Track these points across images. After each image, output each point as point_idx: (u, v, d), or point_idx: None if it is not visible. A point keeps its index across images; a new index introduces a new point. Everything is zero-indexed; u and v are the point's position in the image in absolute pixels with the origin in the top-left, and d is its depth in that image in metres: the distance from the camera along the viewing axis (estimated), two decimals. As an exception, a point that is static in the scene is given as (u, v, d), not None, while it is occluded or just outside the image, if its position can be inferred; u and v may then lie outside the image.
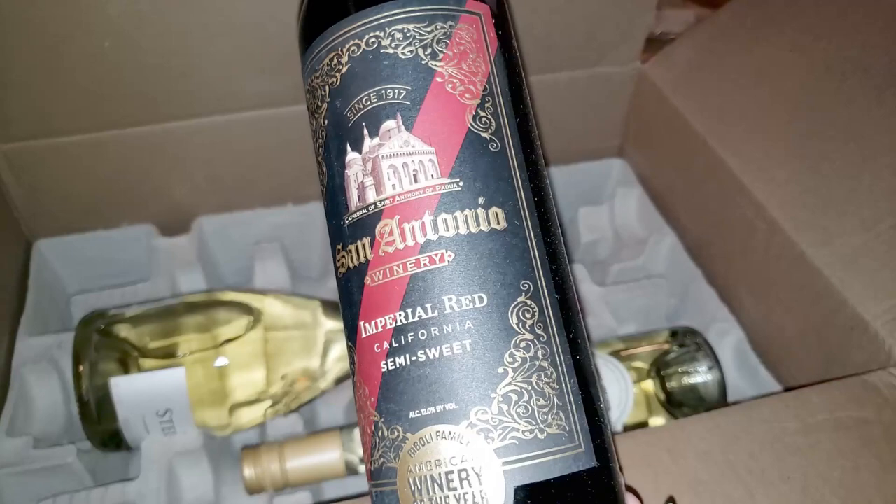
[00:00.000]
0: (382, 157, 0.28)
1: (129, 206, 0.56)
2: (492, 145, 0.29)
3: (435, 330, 0.26)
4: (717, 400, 0.48)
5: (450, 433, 0.25)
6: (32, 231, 0.56)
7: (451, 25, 0.30)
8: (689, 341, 0.50)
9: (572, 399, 0.27)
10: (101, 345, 0.45)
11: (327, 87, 0.30)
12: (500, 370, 0.26)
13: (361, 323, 0.28)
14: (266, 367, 0.46)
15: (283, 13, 0.46)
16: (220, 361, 0.45)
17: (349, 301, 0.29)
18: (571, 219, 0.63)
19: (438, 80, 0.29)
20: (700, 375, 0.48)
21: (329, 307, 0.50)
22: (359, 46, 0.29)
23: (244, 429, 0.48)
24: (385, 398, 0.27)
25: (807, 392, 0.38)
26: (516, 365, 0.26)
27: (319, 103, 0.31)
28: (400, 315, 0.27)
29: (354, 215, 0.29)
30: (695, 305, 0.55)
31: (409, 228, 0.27)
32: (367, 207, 0.28)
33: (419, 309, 0.26)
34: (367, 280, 0.28)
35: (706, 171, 0.52)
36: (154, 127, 0.51)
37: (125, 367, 0.44)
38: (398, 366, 0.26)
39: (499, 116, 0.29)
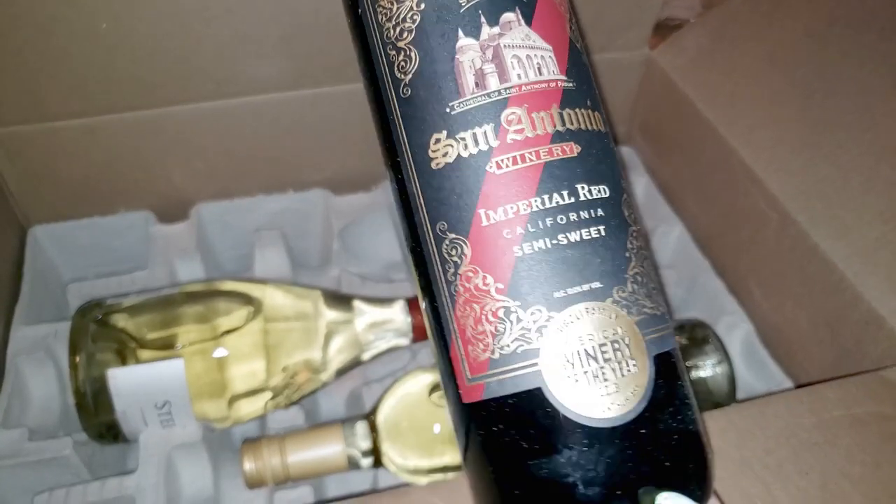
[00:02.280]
0: (505, 46, 0.28)
1: (126, 193, 0.55)
2: (583, 57, 0.31)
3: (573, 215, 0.28)
4: (727, 394, 0.47)
5: (599, 308, 0.27)
6: (27, 217, 0.55)
7: None
8: (697, 334, 0.49)
9: (661, 286, 0.32)
10: (98, 335, 0.44)
11: None
12: (626, 255, 0.28)
13: (481, 211, 0.28)
14: (266, 358, 0.45)
15: (284, -5, 0.45)
16: (220, 353, 0.44)
17: (461, 190, 0.28)
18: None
19: None
20: (709, 369, 0.47)
21: (330, 297, 0.49)
22: None
23: (244, 421, 0.47)
24: (520, 282, 0.27)
25: (822, 388, 0.37)
26: (635, 251, 0.29)
27: None
28: (536, 201, 0.27)
29: (470, 102, 0.28)
30: (703, 297, 0.54)
31: (538, 118, 0.28)
32: (487, 94, 0.28)
33: (556, 195, 0.27)
34: (491, 167, 0.28)
35: (716, 159, 0.51)
36: (152, 112, 0.50)
37: (123, 359, 0.43)
38: (536, 249, 0.27)
39: (580, 32, 0.31)
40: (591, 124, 0.29)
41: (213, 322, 0.44)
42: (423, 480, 0.43)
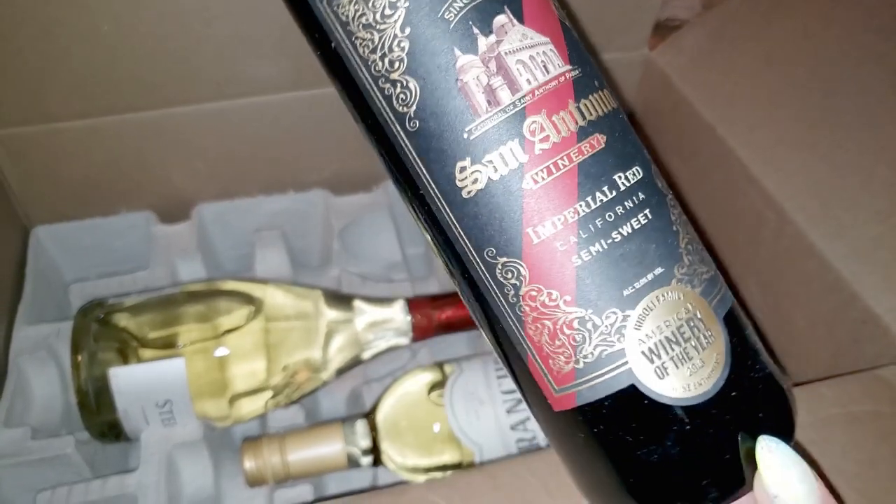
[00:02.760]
0: (506, 53, 0.27)
1: (127, 193, 0.55)
2: (573, 33, 0.30)
3: (619, 209, 0.27)
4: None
5: (667, 294, 0.27)
6: (30, 218, 0.55)
7: None
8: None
9: (702, 244, 0.31)
10: (100, 335, 0.44)
11: None
12: (674, 229, 0.28)
13: (529, 230, 0.27)
14: (267, 357, 0.45)
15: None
16: (221, 352, 0.44)
17: (501, 213, 0.27)
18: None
19: None
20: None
21: (331, 297, 0.49)
22: None
23: (245, 420, 0.47)
24: (587, 290, 0.27)
25: (817, 386, 0.37)
26: (679, 222, 0.29)
27: (387, 12, 0.27)
28: (581, 205, 0.27)
29: (486, 122, 0.27)
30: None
31: (559, 120, 0.27)
32: (503, 110, 0.27)
33: (598, 194, 0.27)
34: (527, 184, 0.27)
35: (714, 159, 0.52)
36: (153, 112, 0.51)
37: (124, 358, 0.44)
38: (594, 254, 0.27)
39: (562, 6, 0.30)
40: (607, 106, 0.29)
41: (214, 321, 0.45)
42: (422, 479, 0.44)
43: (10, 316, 0.49)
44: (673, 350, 0.27)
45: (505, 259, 0.28)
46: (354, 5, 0.27)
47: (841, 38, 0.50)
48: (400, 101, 0.28)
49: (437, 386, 0.44)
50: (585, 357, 0.27)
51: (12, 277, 0.51)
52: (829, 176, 0.45)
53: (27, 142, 0.50)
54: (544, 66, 0.27)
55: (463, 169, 0.28)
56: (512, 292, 0.28)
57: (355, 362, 0.49)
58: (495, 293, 0.29)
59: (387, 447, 0.43)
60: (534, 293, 0.28)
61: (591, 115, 0.28)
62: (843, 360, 0.42)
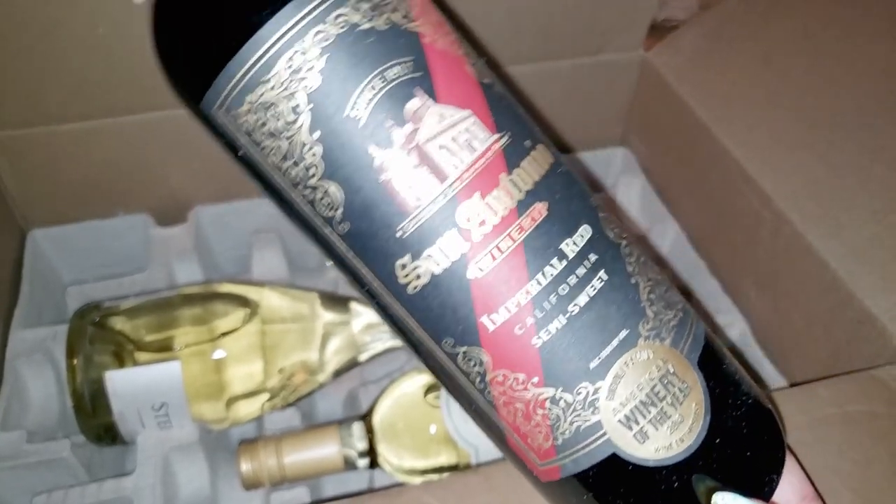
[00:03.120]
0: (426, 141, 0.25)
1: (124, 195, 0.55)
2: (496, 88, 0.28)
3: (572, 278, 0.26)
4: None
5: (635, 356, 0.26)
6: (27, 220, 0.55)
7: None
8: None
9: (667, 279, 0.29)
10: (96, 337, 0.44)
11: (299, 94, 0.25)
12: (633, 281, 0.27)
13: (482, 318, 0.26)
14: (263, 360, 0.45)
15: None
16: (217, 354, 0.44)
17: (451, 305, 0.26)
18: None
19: (426, 40, 0.26)
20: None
21: (328, 299, 0.49)
22: (327, 34, 0.25)
23: (241, 422, 0.47)
24: (553, 369, 0.26)
25: (814, 386, 0.37)
26: (638, 269, 0.28)
27: (289, 118, 0.25)
28: (532, 284, 0.26)
29: (418, 218, 0.25)
30: (698, 297, 0.54)
31: (494, 200, 0.26)
32: (433, 202, 0.25)
33: (548, 268, 0.26)
34: (472, 273, 0.26)
35: (711, 160, 0.52)
36: (150, 115, 0.50)
37: (120, 361, 0.43)
38: (555, 331, 0.26)
39: (477, 60, 0.28)
40: (544, 164, 0.27)
41: (211, 324, 0.45)
42: (418, 481, 0.44)
43: (6, 319, 0.49)
44: (650, 412, 0.26)
45: (465, 348, 0.27)
46: (254, 115, 0.26)
47: (838, 39, 0.50)
48: (324, 205, 0.26)
49: (433, 388, 0.44)
50: (563, 433, 0.26)
51: (9, 280, 0.51)
52: (826, 176, 0.45)
53: (24, 143, 0.50)
54: (469, 145, 0.26)
55: (403, 266, 0.26)
56: (478, 379, 0.27)
57: (352, 364, 0.49)
58: (463, 380, 0.28)
59: (383, 449, 0.43)
60: (500, 378, 0.27)
61: (527, 183, 0.26)
62: (840, 360, 0.42)
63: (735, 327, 0.50)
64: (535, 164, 0.27)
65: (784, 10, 0.55)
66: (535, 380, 0.26)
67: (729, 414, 0.27)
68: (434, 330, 0.27)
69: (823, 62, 0.51)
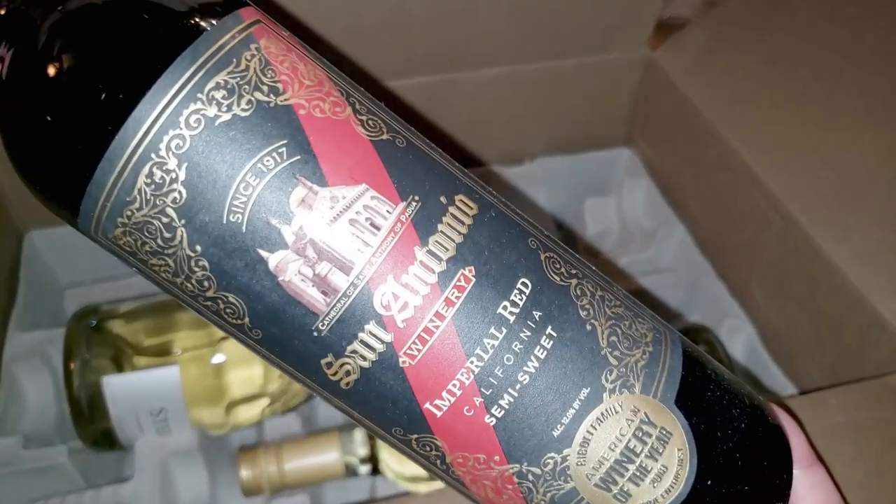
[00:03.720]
0: (321, 231, 0.23)
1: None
2: (398, 142, 0.25)
3: (516, 345, 0.24)
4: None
5: (602, 414, 0.24)
6: (24, 222, 0.54)
7: (256, 48, 0.24)
8: (699, 338, 0.48)
9: (634, 303, 0.27)
10: (94, 341, 0.43)
11: (168, 210, 0.22)
12: (588, 327, 0.25)
13: (427, 406, 0.24)
14: (263, 364, 0.44)
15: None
16: (217, 359, 0.43)
17: (390, 397, 0.24)
18: (577, 210, 0.61)
19: (301, 112, 0.23)
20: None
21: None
22: (182, 138, 0.22)
23: (241, 427, 0.46)
24: (514, 445, 0.24)
25: (824, 394, 0.37)
26: (593, 310, 0.25)
27: (166, 235, 0.23)
28: (473, 361, 0.23)
29: (332, 314, 0.23)
30: (704, 301, 0.54)
31: (412, 278, 0.23)
32: (344, 295, 0.23)
33: (487, 339, 0.23)
34: (404, 361, 0.23)
35: (717, 161, 0.51)
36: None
37: (118, 365, 0.43)
38: (507, 406, 0.24)
39: (373, 108, 0.25)
40: (465, 220, 0.24)
41: (210, 328, 0.44)
42: (422, 488, 0.43)
43: (3, 322, 0.49)
44: (627, 470, 0.24)
45: (416, 436, 0.25)
46: (130, 237, 0.23)
47: (845, 39, 0.50)
48: (230, 315, 0.24)
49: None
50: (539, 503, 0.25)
51: (6, 282, 0.51)
52: (834, 178, 0.45)
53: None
54: (372, 225, 0.23)
55: (329, 364, 0.24)
56: (439, 461, 0.25)
57: (353, 369, 0.48)
58: (424, 463, 0.26)
59: (385, 456, 0.43)
60: (460, 460, 0.25)
61: (447, 249, 0.23)
62: (850, 366, 0.42)
63: (742, 331, 0.50)
64: (455, 223, 0.24)
65: (790, 9, 0.55)
66: (497, 458, 0.24)
67: (719, 449, 0.25)
68: (381, 421, 0.25)
69: (831, 62, 0.50)
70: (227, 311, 0.24)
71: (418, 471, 0.43)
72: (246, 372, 0.44)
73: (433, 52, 0.51)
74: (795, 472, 0.28)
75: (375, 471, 0.43)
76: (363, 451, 0.43)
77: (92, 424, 0.43)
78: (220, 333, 0.44)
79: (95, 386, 0.42)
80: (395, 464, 0.43)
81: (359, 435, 0.43)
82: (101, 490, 0.42)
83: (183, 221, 0.23)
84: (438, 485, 0.43)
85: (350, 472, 0.43)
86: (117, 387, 0.42)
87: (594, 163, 0.62)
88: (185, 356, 0.43)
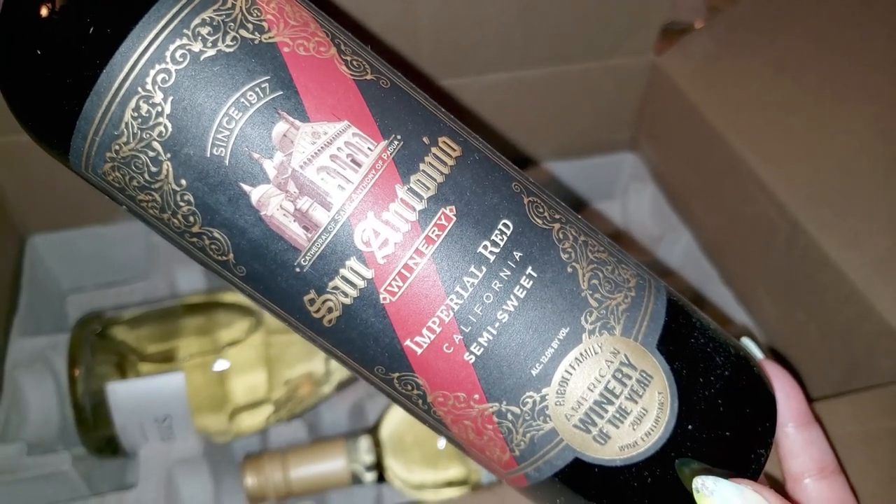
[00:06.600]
0: (301, 166, 0.23)
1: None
2: (382, 83, 0.25)
3: (496, 283, 0.24)
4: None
5: (581, 354, 0.24)
6: (26, 226, 0.54)
7: None
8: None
9: (620, 251, 0.27)
10: (98, 348, 0.43)
11: (154, 144, 0.23)
12: (569, 270, 0.25)
13: (407, 343, 0.24)
14: (268, 371, 0.44)
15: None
16: (221, 366, 0.43)
17: (371, 333, 0.25)
18: (582, 215, 0.61)
19: (286, 49, 0.24)
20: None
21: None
22: (168, 72, 0.23)
23: (245, 435, 0.46)
24: (493, 383, 0.24)
25: (834, 403, 0.36)
26: (574, 254, 0.25)
27: (153, 169, 0.23)
28: (452, 298, 0.24)
29: (313, 249, 0.24)
30: (710, 307, 0.53)
31: (393, 215, 0.23)
32: (325, 231, 0.23)
33: (467, 278, 0.24)
34: (384, 298, 0.24)
35: (723, 167, 0.51)
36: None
37: (122, 372, 0.43)
38: (486, 344, 0.24)
39: (358, 50, 0.26)
40: (447, 161, 0.25)
41: (214, 335, 0.44)
42: (428, 495, 0.43)
43: (5, 327, 0.48)
44: (607, 412, 0.24)
45: (398, 374, 0.25)
46: (118, 172, 0.24)
47: (852, 44, 0.50)
48: (214, 251, 0.25)
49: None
50: (518, 445, 0.25)
51: (8, 287, 0.50)
52: (842, 184, 0.44)
53: (23, 149, 0.49)
54: (353, 161, 0.23)
55: (312, 301, 0.24)
56: (420, 401, 0.26)
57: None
58: (406, 403, 0.26)
59: (391, 463, 0.43)
60: (441, 399, 0.25)
61: (429, 189, 0.24)
62: (859, 374, 0.41)
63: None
64: (437, 163, 0.24)
65: (796, 14, 0.54)
66: (476, 396, 0.25)
67: (701, 395, 0.25)
68: (363, 359, 0.25)
69: (837, 67, 0.50)
70: (213, 247, 0.24)
71: (424, 478, 0.43)
72: (250, 379, 0.44)
73: (440, 57, 0.50)
74: (791, 429, 0.29)
75: (381, 478, 0.43)
76: (369, 458, 0.43)
77: (96, 431, 0.42)
78: (225, 340, 0.44)
79: (99, 393, 0.42)
80: (402, 471, 0.43)
81: (364, 442, 0.43)
82: (104, 497, 0.42)
83: (168, 155, 0.23)
84: (445, 493, 0.43)
85: (356, 479, 0.43)
86: (121, 393, 0.42)
87: (600, 167, 0.62)
88: (190, 363, 0.43)
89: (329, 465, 0.42)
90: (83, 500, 0.42)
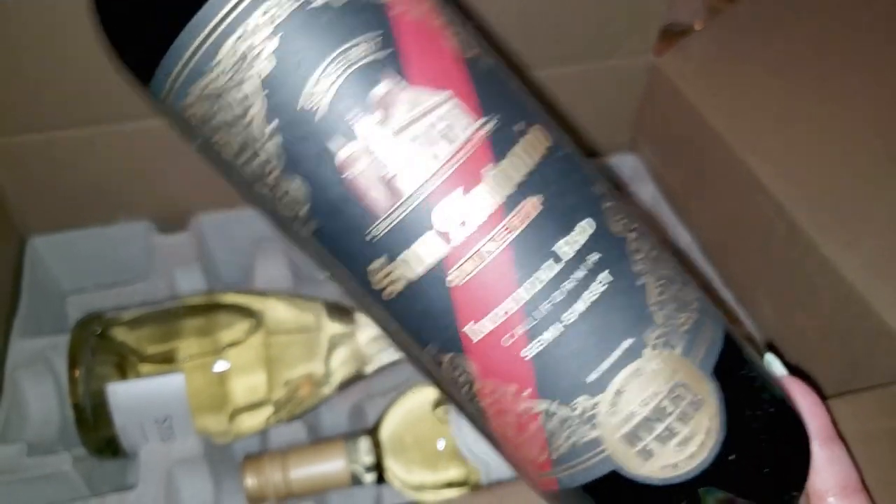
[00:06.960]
0: (396, 131, 0.22)
1: (126, 202, 0.54)
2: (483, 62, 0.24)
3: (569, 283, 0.23)
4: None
5: (639, 369, 0.24)
6: (26, 227, 0.54)
7: None
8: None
9: (685, 272, 0.27)
10: (98, 349, 0.43)
11: (247, 85, 0.22)
12: (640, 283, 0.24)
13: (466, 328, 0.24)
14: (268, 372, 0.44)
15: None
16: (221, 367, 0.43)
17: (431, 313, 0.24)
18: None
19: (394, 12, 0.23)
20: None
21: (333, 309, 0.48)
22: (279, 9, 0.22)
23: (246, 436, 0.46)
24: (547, 381, 0.24)
25: (833, 403, 0.36)
26: (646, 266, 0.25)
27: (239, 110, 0.23)
28: (520, 292, 0.23)
29: (389, 220, 0.23)
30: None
31: (478, 195, 0.23)
32: (406, 202, 0.23)
33: (541, 272, 0.23)
34: (452, 279, 0.23)
35: (723, 168, 0.51)
36: (152, 121, 0.50)
37: (123, 373, 0.43)
38: (549, 341, 0.23)
39: (464, 25, 0.25)
40: (538, 150, 0.24)
41: (214, 336, 0.44)
42: (428, 496, 0.43)
43: (5, 328, 0.48)
44: (655, 429, 0.24)
45: (450, 356, 0.25)
46: (201, 106, 0.23)
47: (852, 45, 0.50)
48: (287, 203, 0.24)
49: (441, 402, 0.43)
50: (558, 448, 0.25)
51: (8, 288, 0.50)
52: (840, 185, 0.45)
53: (24, 150, 0.50)
54: (448, 135, 0.23)
55: (375, 271, 0.24)
56: (466, 387, 0.25)
57: (358, 376, 0.48)
58: (450, 388, 0.26)
59: (391, 464, 0.43)
60: (489, 389, 0.25)
61: (517, 175, 0.23)
62: (857, 375, 0.42)
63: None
64: (528, 151, 0.24)
65: (796, 16, 0.54)
66: (527, 392, 0.24)
67: (747, 427, 0.25)
68: (417, 336, 0.25)
69: (837, 69, 0.50)
70: (286, 198, 0.24)
71: (424, 479, 0.43)
72: (250, 380, 0.44)
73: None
74: (815, 447, 0.28)
75: (381, 479, 0.43)
76: (369, 459, 0.43)
77: (96, 432, 0.42)
78: (225, 340, 0.44)
79: (99, 393, 0.42)
80: (401, 472, 0.43)
81: (364, 443, 0.43)
82: (105, 498, 0.42)
83: (265, 93, 0.22)
84: (445, 494, 0.43)
85: (355, 480, 0.43)
86: (122, 394, 0.42)
87: (599, 168, 0.62)
88: (190, 364, 0.43)
89: (329, 465, 0.42)
90: (83, 501, 0.42)
